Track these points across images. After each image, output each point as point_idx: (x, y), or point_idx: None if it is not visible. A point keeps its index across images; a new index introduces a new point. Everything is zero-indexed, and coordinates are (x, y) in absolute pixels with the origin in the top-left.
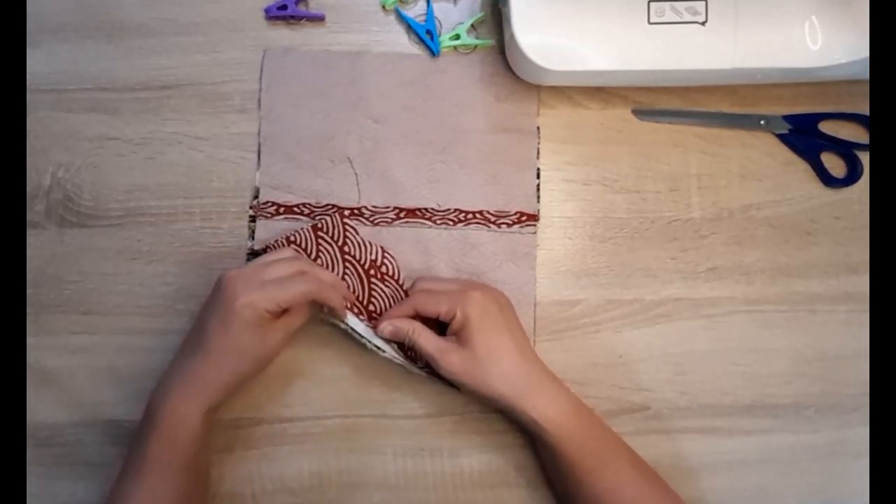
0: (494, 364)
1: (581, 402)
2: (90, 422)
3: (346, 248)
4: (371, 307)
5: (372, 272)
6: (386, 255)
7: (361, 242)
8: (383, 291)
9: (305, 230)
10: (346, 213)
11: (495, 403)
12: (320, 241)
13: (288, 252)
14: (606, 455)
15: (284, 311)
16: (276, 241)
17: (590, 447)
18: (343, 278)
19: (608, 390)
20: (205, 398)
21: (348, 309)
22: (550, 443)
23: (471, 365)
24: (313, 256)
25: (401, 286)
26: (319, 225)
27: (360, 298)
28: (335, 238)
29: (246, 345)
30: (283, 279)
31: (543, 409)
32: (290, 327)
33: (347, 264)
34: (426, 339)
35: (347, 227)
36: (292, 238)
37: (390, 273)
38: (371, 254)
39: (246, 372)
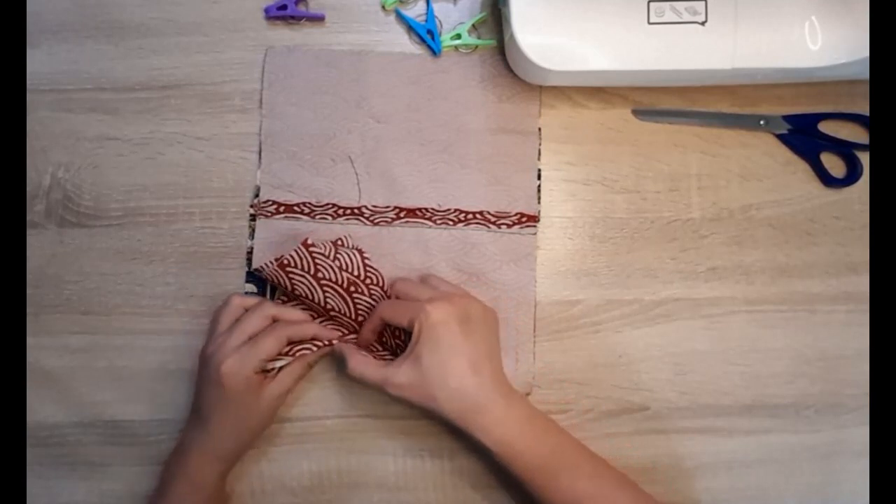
0: (442, 382)
1: (535, 417)
2: (90, 422)
3: (319, 275)
4: (360, 318)
5: (353, 289)
6: (368, 267)
7: (336, 264)
8: (369, 303)
9: (273, 268)
10: (347, 212)
11: (444, 420)
12: (290, 275)
13: (257, 304)
14: (559, 471)
15: (270, 372)
16: (260, 265)
17: (538, 465)
18: (326, 303)
19: (608, 390)
20: (214, 468)
21: (332, 342)
22: (499, 462)
23: (419, 383)
24: (289, 289)
25: (385, 293)
26: (286, 261)
27: (348, 315)
28: (305, 269)
29: (241, 416)
30: (257, 339)
31: (489, 429)
32: (282, 389)
33: (326, 289)
34: (371, 371)
35: (314, 253)
36: (265, 277)
37: (375, 282)
38: (352, 271)
39: (246, 440)
